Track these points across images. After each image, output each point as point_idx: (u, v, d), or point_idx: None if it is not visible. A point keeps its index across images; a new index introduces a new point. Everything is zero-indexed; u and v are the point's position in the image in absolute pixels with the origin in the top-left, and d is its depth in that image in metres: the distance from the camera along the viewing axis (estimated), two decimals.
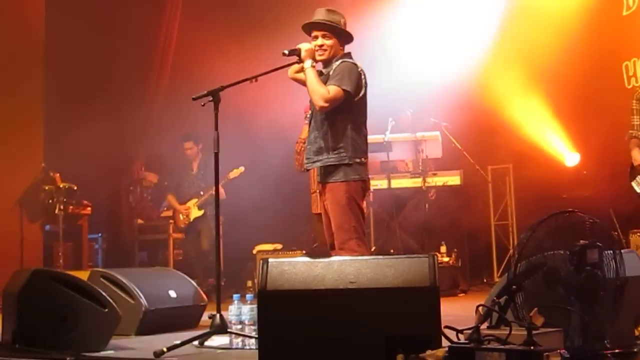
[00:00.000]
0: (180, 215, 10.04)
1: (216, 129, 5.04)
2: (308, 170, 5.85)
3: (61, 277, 5.01)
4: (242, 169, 9.64)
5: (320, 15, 5.46)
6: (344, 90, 5.23)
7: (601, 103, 9.75)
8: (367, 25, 10.64)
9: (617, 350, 3.74)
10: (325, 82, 5.29)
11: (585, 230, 3.92)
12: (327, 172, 5.32)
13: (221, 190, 9.45)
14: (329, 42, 5.40)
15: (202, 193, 9.80)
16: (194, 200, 9.91)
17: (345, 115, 5.33)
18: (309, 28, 5.47)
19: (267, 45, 9.70)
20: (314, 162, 5.39)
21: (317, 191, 5.80)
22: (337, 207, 5.27)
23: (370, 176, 5.62)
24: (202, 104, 4.99)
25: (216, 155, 5.08)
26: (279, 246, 10.26)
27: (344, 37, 5.48)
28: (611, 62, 10.08)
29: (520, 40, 10.65)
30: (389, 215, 10.00)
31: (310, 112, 5.60)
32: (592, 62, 9.93)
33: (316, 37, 5.40)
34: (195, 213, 9.87)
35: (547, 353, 3.04)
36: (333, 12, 5.48)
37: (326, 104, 5.22)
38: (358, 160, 5.33)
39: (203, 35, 11.42)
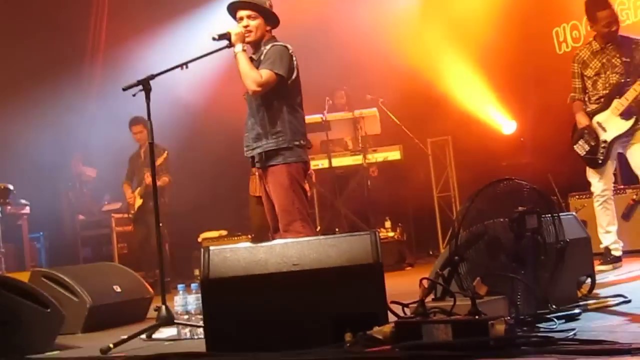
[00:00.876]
0: (130, 206, 9.91)
1: (149, 118, 4.96)
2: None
3: (0, 280, 4.90)
4: (165, 153, 9.48)
5: None
6: (276, 74, 5.18)
7: (534, 70, 9.88)
8: (294, 5, 10.62)
9: (561, 313, 3.79)
10: (257, 67, 5.23)
11: (523, 197, 3.96)
12: (267, 156, 5.27)
13: (164, 177, 9.42)
14: (254, 22, 5.31)
15: (144, 181, 9.59)
16: (138, 189, 9.74)
17: (280, 99, 5.28)
18: (234, 9, 5.39)
19: (198, 31, 9.64)
20: (253, 149, 5.33)
21: (256, 174, 5.71)
22: (280, 190, 5.22)
23: (310, 156, 5.61)
24: (133, 94, 4.91)
25: (151, 145, 5.01)
26: (224, 232, 10.23)
27: (271, 18, 5.40)
28: (541, 28, 10.20)
29: (451, 10, 10.71)
30: (332, 194, 10.01)
31: (245, 96, 5.51)
32: (522, 30, 10.02)
33: (241, 19, 5.33)
34: (138, 202, 9.70)
35: (492, 321, 3.06)
36: None
37: (259, 88, 5.16)
38: (297, 142, 5.29)
39: (132, 24, 11.29)
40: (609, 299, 4.30)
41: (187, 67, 5.10)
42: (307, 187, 5.54)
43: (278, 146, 5.23)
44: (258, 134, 5.30)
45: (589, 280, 4.68)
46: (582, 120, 6.57)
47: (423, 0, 11.01)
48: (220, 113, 9.59)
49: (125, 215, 10.43)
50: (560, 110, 7.01)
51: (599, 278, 5.08)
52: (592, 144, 6.54)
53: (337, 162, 9.89)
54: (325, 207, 10.37)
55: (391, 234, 9.68)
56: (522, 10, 10.04)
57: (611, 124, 6.45)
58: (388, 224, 9.85)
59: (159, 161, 9.33)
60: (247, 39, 5.29)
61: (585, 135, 6.55)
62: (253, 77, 5.16)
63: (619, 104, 6.38)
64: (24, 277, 5.81)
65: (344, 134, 10.22)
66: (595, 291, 4.67)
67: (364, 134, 9.87)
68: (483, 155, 10.04)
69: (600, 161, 6.51)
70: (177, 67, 5.08)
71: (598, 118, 6.51)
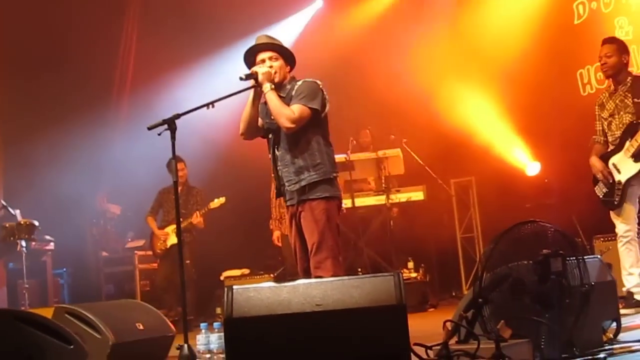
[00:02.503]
0: (158, 242, 9.92)
1: (174, 157, 5.01)
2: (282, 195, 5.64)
3: (24, 316, 4.91)
4: (223, 199, 9.53)
5: (264, 39, 5.48)
6: (310, 108, 5.24)
7: (558, 111, 9.86)
8: (319, 45, 10.73)
9: (586, 357, 3.75)
10: (287, 104, 5.27)
11: (548, 239, 3.94)
12: (309, 189, 5.28)
13: (200, 219, 9.48)
14: (276, 63, 5.39)
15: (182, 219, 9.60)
16: (173, 226, 9.65)
17: (316, 132, 5.35)
18: (255, 52, 5.45)
19: (224, 71, 9.73)
20: (296, 182, 5.32)
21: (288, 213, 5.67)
22: (315, 226, 5.22)
23: None
24: (159, 133, 4.95)
25: (175, 183, 5.06)
26: (247, 271, 10.22)
27: (290, 59, 5.49)
28: (566, 70, 10.20)
29: (475, 52, 10.75)
30: (355, 234, 9.99)
31: (270, 137, 5.54)
32: (547, 72, 10.05)
33: (262, 61, 5.39)
34: (173, 240, 9.67)
35: None
36: (273, 37, 5.51)
37: (293, 125, 5.21)
38: (335, 174, 5.37)
39: (159, 64, 11.42)
40: (634, 343, 4.26)
41: (213, 107, 5.15)
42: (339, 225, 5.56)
43: (320, 178, 5.26)
44: (300, 167, 5.31)
45: (614, 324, 4.63)
46: (595, 164, 6.65)
47: (448, 43, 11.05)
48: (242, 153, 9.62)
49: (149, 253, 10.45)
50: (585, 151, 7.00)
51: (624, 322, 5.02)
52: (609, 186, 6.54)
53: (360, 202, 9.89)
54: (348, 247, 10.35)
55: (414, 274, 9.63)
56: (546, 51, 10.08)
57: (624, 166, 6.48)
58: (411, 264, 9.81)
59: (213, 205, 9.42)
60: (273, 78, 5.36)
61: (602, 178, 6.56)
62: (286, 114, 5.21)
63: (630, 146, 6.41)
64: (47, 313, 5.81)
65: (368, 174, 10.24)
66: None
67: (388, 174, 9.87)
68: (507, 197, 10.01)
69: (616, 202, 6.50)
70: (203, 106, 5.13)
71: (613, 160, 6.54)
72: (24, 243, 9.22)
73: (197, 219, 9.53)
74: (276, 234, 9.46)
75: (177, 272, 9.29)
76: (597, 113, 6.75)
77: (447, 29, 11.19)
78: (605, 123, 6.65)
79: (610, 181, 6.54)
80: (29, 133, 10.49)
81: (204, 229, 9.83)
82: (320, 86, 5.38)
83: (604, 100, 6.68)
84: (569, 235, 4.11)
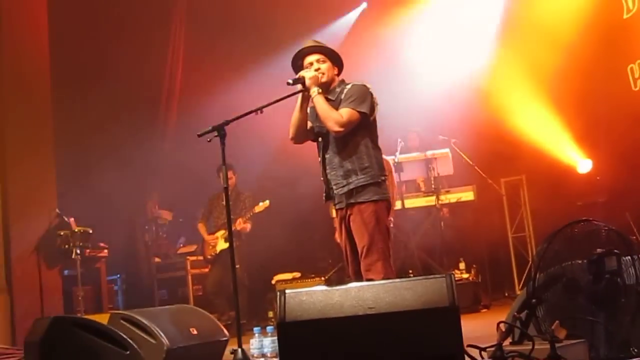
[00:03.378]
0: (208, 247, 10.02)
1: (224, 163, 5.07)
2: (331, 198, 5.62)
3: (81, 322, 5.00)
4: (267, 202, 9.59)
5: (311, 43, 5.51)
6: (359, 112, 5.26)
7: (609, 107, 9.73)
8: (367, 47, 10.72)
9: None
10: (335, 108, 5.29)
11: (601, 238, 3.89)
12: (357, 192, 5.29)
13: (246, 225, 9.55)
14: (324, 65, 5.42)
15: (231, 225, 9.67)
16: (222, 232, 9.82)
17: (365, 136, 5.36)
18: (301, 57, 5.48)
19: (271, 75, 9.78)
20: (344, 185, 5.34)
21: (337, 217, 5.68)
22: (365, 228, 5.22)
23: None
24: (209, 139, 5.00)
25: (226, 190, 5.11)
26: (298, 274, 10.24)
27: (338, 62, 5.51)
28: (616, 65, 10.06)
29: (523, 50, 10.66)
30: (405, 235, 9.96)
31: (320, 140, 5.56)
32: (597, 67, 9.92)
33: (310, 64, 5.42)
34: (222, 245, 9.79)
35: None
36: (320, 42, 5.53)
37: (342, 129, 5.23)
38: (383, 177, 5.37)
39: (207, 67, 11.51)
40: None
41: (261, 112, 5.18)
42: (390, 227, 5.56)
43: (368, 181, 5.26)
44: (348, 170, 5.32)
45: None
46: None
47: (497, 40, 10.97)
48: (291, 156, 9.67)
49: (200, 258, 10.55)
50: (636, 147, 6.89)
51: None
52: None
53: (410, 203, 9.86)
54: (398, 248, 10.31)
55: (466, 275, 9.57)
56: (596, 46, 9.94)
57: None
58: (462, 265, 9.76)
59: (258, 208, 9.48)
60: (321, 80, 5.37)
61: None
62: (334, 118, 5.22)
63: None
64: (102, 319, 5.89)
65: (417, 175, 10.21)
66: None
67: (437, 174, 9.83)
68: (558, 195, 9.90)
69: None
70: (251, 112, 5.17)
71: None
72: (78, 250, 9.36)
73: (240, 225, 9.59)
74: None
75: (228, 277, 9.43)
76: None
77: (495, 27, 11.11)
78: None
79: None
80: (81, 141, 10.65)
81: (254, 233, 9.88)
82: (370, 90, 5.39)
83: None
84: (623, 234, 4.06)
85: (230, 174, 9.38)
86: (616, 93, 9.85)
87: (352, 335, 3.68)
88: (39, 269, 9.43)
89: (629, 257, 3.91)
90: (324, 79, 5.39)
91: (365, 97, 5.32)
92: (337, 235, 8.55)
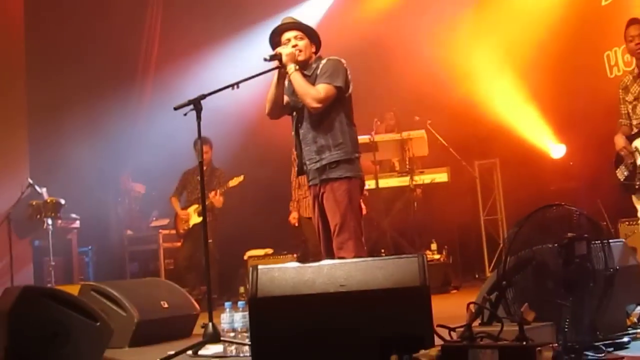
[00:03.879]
0: (181, 222, 9.98)
1: (199, 137, 5.04)
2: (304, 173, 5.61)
3: (51, 293, 4.97)
4: (241, 177, 9.51)
5: (289, 19, 5.49)
6: (335, 86, 5.24)
7: (584, 93, 9.78)
8: (347, 26, 10.70)
9: (609, 341, 3.75)
10: (312, 84, 5.28)
11: (572, 223, 3.92)
12: (330, 168, 5.27)
13: (220, 198, 9.50)
14: (302, 42, 5.40)
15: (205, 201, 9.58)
16: (195, 206, 9.76)
17: (339, 111, 5.34)
18: (281, 31, 5.46)
19: (246, 51, 9.73)
20: (317, 161, 5.31)
21: (309, 194, 5.69)
22: (337, 207, 5.21)
23: None
24: (184, 113, 4.98)
25: (200, 164, 5.09)
26: (270, 251, 10.26)
27: (315, 39, 5.49)
28: (592, 52, 10.12)
29: (501, 33, 10.69)
30: (378, 215, 9.99)
31: (294, 115, 5.54)
32: (574, 53, 9.98)
33: (288, 40, 5.40)
34: (195, 219, 9.73)
35: (539, 348, 3.04)
36: (297, 19, 5.52)
37: (319, 105, 5.21)
38: (357, 154, 5.35)
39: (183, 43, 11.43)
40: None
41: (238, 87, 5.16)
42: (363, 205, 5.56)
43: (341, 157, 5.25)
44: (322, 146, 5.30)
45: (638, 308, 4.61)
46: (618, 141, 6.49)
47: (474, 23, 11.00)
48: (266, 132, 9.64)
49: (173, 232, 10.52)
50: (610, 134, 6.94)
51: None
52: (630, 169, 6.45)
53: (384, 183, 9.89)
54: (371, 228, 10.35)
55: (437, 256, 9.64)
56: (573, 32, 9.99)
57: None
58: (434, 246, 9.82)
59: (232, 183, 9.43)
60: (298, 58, 5.35)
61: (625, 160, 6.47)
62: (312, 94, 5.21)
63: None
64: (73, 290, 5.89)
65: (392, 155, 10.24)
66: None
67: (412, 155, 9.86)
68: (531, 179, 9.98)
69: (637, 186, 6.38)
70: (228, 87, 5.13)
71: (636, 143, 6.41)
72: (50, 221, 9.31)
73: (213, 197, 9.51)
74: (293, 215, 9.46)
75: (200, 251, 9.43)
76: (621, 96, 6.61)
77: (472, 10, 11.13)
78: (630, 106, 6.53)
79: (631, 163, 6.45)
80: (55, 112, 10.56)
81: (227, 209, 9.85)
82: (344, 64, 5.38)
83: (628, 84, 6.54)
84: (594, 219, 4.09)
85: (206, 148, 9.38)
86: (592, 80, 9.91)
87: (323, 313, 3.70)
88: (10, 238, 9.38)
89: (599, 242, 3.95)
90: (301, 57, 5.37)
91: (339, 71, 5.30)
92: (302, 211, 8.60)
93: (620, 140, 6.49)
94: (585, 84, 9.88)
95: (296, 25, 5.44)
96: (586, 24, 10.04)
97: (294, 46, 5.36)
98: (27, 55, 9.79)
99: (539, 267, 3.80)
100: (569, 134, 10.32)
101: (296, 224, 9.46)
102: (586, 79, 9.95)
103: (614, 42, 9.82)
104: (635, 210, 6.64)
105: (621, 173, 6.54)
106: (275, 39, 5.48)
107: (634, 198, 6.53)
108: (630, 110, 6.54)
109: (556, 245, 3.81)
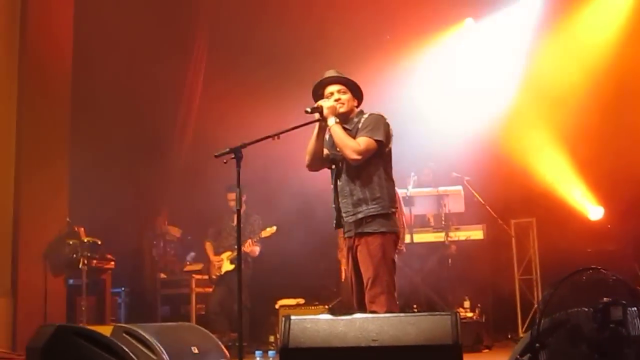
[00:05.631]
0: (214, 268, 10.02)
1: (238, 186, 5.09)
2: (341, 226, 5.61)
3: (84, 332, 5.01)
4: (274, 228, 9.59)
5: (332, 73, 5.55)
6: (376, 140, 5.30)
7: (626, 154, 9.73)
8: (386, 80, 10.76)
9: None
10: (353, 137, 5.33)
11: (609, 287, 3.89)
12: (366, 222, 5.31)
13: (255, 247, 9.56)
14: (345, 96, 5.48)
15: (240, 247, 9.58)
16: (228, 253, 9.84)
17: (378, 166, 5.40)
18: (323, 86, 5.53)
19: (289, 104, 9.82)
20: (354, 214, 5.36)
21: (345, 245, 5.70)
22: (371, 260, 5.23)
23: None
24: (225, 161, 5.04)
25: (238, 212, 5.13)
26: (302, 301, 10.21)
27: (358, 93, 5.56)
28: (633, 111, 10.04)
29: (541, 90, 10.69)
30: (411, 270, 9.94)
31: (333, 168, 5.59)
32: (617, 110, 9.94)
33: (331, 94, 5.47)
34: (227, 266, 9.79)
35: None
36: (341, 72, 5.58)
37: (359, 157, 5.27)
38: (394, 209, 5.38)
39: (226, 91, 11.55)
40: None
41: (278, 138, 5.22)
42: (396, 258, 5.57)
43: (378, 212, 5.28)
44: (359, 199, 5.35)
45: None
46: None
47: (513, 80, 11.02)
48: (302, 183, 9.67)
49: (205, 277, 10.55)
50: None
51: None
52: None
53: (419, 238, 9.85)
54: (404, 283, 10.29)
55: (470, 314, 9.55)
56: (618, 88, 9.95)
57: None
58: (467, 303, 9.73)
59: (265, 233, 9.48)
60: (340, 110, 5.42)
61: None
62: (352, 146, 5.27)
63: None
64: (106, 330, 5.90)
65: (427, 210, 10.22)
66: None
67: (448, 211, 9.84)
68: (568, 240, 9.87)
69: None
70: (269, 137, 5.21)
71: None
72: (85, 260, 9.37)
73: (249, 247, 9.60)
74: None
75: (231, 298, 9.46)
76: None
77: (510, 65, 11.16)
78: None
79: None
80: (95, 151, 10.66)
81: (261, 257, 9.88)
82: (386, 120, 5.44)
83: None
84: (631, 284, 4.06)
85: (243, 196, 9.43)
86: (632, 140, 9.84)
87: None
88: (45, 275, 9.43)
89: (635, 308, 3.91)
90: (343, 109, 5.44)
91: (380, 125, 5.37)
92: (340, 256, 8.58)
93: None
94: (627, 144, 9.82)
95: (339, 79, 5.52)
96: (633, 79, 9.99)
97: (336, 100, 5.43)
98: (71, 94, 9.93)
99: (573, 330, 3.77)
100: (608, 196, 10.25)
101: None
102: (629, 139, 9.89)
103: None
104: None
105: None
106: (318, 92, 5.56)
107: None
108: None
109: (591, 309, 3.79)
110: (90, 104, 10.69)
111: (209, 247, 10.18)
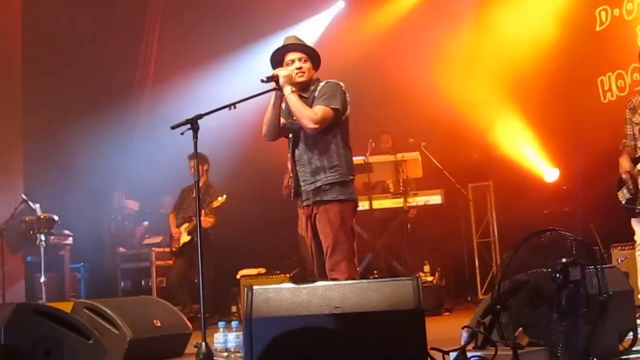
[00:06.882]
0: (173, 240, 9.96)
1: (195, 157, 5.05)
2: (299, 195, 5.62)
3: (44, 310, 4.98)
4: (224, 197, 9.50)
5: (293, 40, 5.51)
6: (332, 108, 5.27)
7: (578, 118, 9.84)
8: (343, 47, 10.74)
9: None
10: (310, 105, 5.30)
11: (566, 248, 3.94)
12: (324, 190, 5.30)
13: (208, 218, 9.47)
14: (306, 64, 5.43)
15: (193, 218, 9.57)
16: (186, 225, 9.72)
17: (336, 134, 5.37)
18: (283, 52, 5.48)
19: (245, 72, 9.75)
20: (312, 182, 5.35)
21: (304, 213, 5.71)
22: (330, 228, 5.24)
23: None
24: (181, 132, 5.00)
25: (196, 183, 5.10)
26: (263, 270, 10.22)
27: (316, 60, 5.52)
28: (586, 77, 10.16)
29: (495, 57, 10.75)
30: (371, 236, 9.99)
31: (290, 137, 5.57)
32: (568, 78, 10.02)
33: (292, 61, 5.42)
34: (184, 238, 9.70)
35: None
36: (300, 39, 5.54)
37: (316, 125, 5.24)
38: (351, 177, 5.38)
39: (181, 62, 11.46)
40: None
41: (235, 108, 5.18)
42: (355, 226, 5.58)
43: (336, 180, 5.28)
44: (317, 167, 5.34)
45: (631, 333, 4.63)
46: (623, 164, 6.38)
47: (470, 47, 11.07)
48: (261, 153, 9.63)
49: (166, 249, 10.49)
50: (604, 158, 6.96)
51: None
52: (632, 192, 6.40)
53: (378, 204, 9.88)
54: (364, 249, 10.35)
55: (430, 278, 9.63)
56: (567, 57, 10.04)
57: None
58: (427, 268, 9.80)
59: (216, 203, 9.40)
60: (300, 79, 5.38)
61: (628, 183, 6.43)
62: (309, 115, 5.23)
63: None
64: (66, 307, 5.86)
65: (386, 177, 10.25)
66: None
67: (406, 177, 9.87)
68: (524, 202, 9.99)
69: (638, 210, 6.33)
70: (225, 107, 5.16)
71: None
72: (43, 237, 9.27)
73: (203, 218, 9.47)
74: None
75: (192, 269, 9.42)
76: (627, 117, 6.47)
77: (469, 32, 11.21)
78: (637, 128, 6.44)
79: (632, 187, 6.41)
80: (51, 127, 10.56)
81: (219, 227, 9.83)
82: (343, 87, 5.41)
83: (636, 104, 6.44)
84: (588, 244, 4.11)
85: (203, 166, 9.40)
86: (586, 104, 9.95)
87: (318, 334, 3.70)
88: (2, 254, 9.35)
89: (593, 268, 3.97)
90: (303, 78, 5.40)
91: (337, 93, 5.34)
92: (300, 229, 8.58)
93: (625, 163, 6.39)
94: (579, 108, 9.93)
95: (301, 48, 5.47)
96: (581, 49, 10.09)
97: (298, 68, 5.39)
98: (23, 69, 9.78)
99: (533, 291, 3.81)
100: (563, 158, 10.36)
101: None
102: (580, 103, 10.00)
103: (607, 67, 9.88)
104: (630, 235, 6.62)
105: (623, 196, 6.45)
106: (277, 57, 5.50)
107: (633, 221, 6.47)
108: (636, 132, 6.44)
109: (550, 269, 3.83)
110: (44, 74, 10.55)
111: (171, 218, 10.04)
